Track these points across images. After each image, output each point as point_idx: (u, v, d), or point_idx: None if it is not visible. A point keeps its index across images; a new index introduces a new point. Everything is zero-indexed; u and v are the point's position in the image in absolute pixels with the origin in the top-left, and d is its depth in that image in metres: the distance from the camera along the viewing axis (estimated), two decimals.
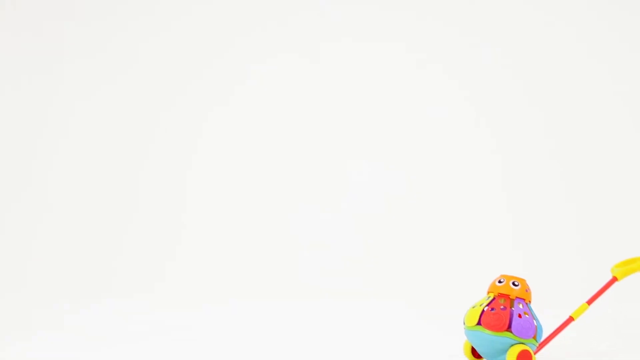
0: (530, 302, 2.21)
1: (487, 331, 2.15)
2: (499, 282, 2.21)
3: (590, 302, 2.26)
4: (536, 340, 2.18)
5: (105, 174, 3.64)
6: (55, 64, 3.72)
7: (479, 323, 2.17)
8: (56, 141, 3.69)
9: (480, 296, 2.28)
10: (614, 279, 2.28)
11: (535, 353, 2.19)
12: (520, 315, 2.15)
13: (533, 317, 2.18)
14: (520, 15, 3.67)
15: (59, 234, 3.55)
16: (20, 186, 3.65)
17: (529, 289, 2.21)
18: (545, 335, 2.25)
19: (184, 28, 3.73)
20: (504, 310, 2.15)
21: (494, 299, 2.18)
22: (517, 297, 2.18)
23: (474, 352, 2.26)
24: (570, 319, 2.24)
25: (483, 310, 2.17)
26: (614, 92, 3.62)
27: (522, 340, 2.15)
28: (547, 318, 2.30)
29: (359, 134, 3.69)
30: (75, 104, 3.70)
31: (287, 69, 3.70)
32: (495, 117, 3.67)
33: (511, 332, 2.14)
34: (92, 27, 3.72)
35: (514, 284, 2.19)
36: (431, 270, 3.40)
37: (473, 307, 2.21)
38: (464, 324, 2.21)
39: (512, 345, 2.14)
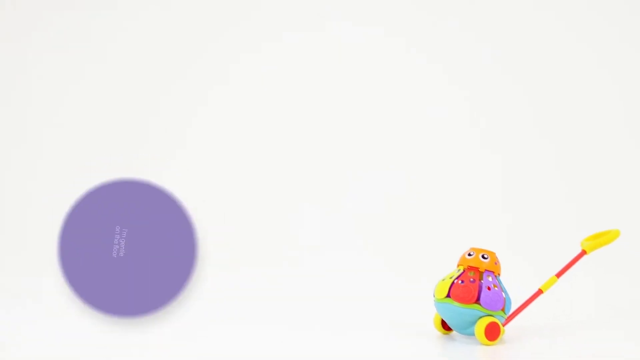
0: (499, 274, 2.23)
1: (456, 303, 2.17)
2: (469, 255, 2.23)
3: (559, 275, 2.27)
4: (505, 313, 2.19)
5: (99, 175, 3.67)
6: (43, 49, 3.78)
7: (448, 295, 2.19)
8: (42, 140, 3.75)
9: (450, 269, 2.30)
10: (583, 252, 2.29)
11: (504, 325, 2.20)
12: (489, 288, 2.17)
13: (502, 289, 2.20)
14: (521, 15, 3.68)
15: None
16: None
17: (498, 261, 2.23)
18: (514, 307, 2.27)
19: (173, 23, 3.78)
20: (473, 283, 2.17)
21: (463, 271, 2.21)
22: (486, 270, 2.20)
23: (444, 324, 2.28)
24: (539, 292, 2.26)
25: (452, 283, 2.19)
26: (613, 93, 3.63)
27: (490, 313, 2.16)
28: (516, 290, 2.31)
29: (359, 134, 3.71)
30: (65, 99, 3.76)
31: (286, 68, 3.74)
32: (496, 117, 3.69)
33: (480, 304, 2.16)
34: (87, 17, 3.78)
35: (483, 256, 2.21)
36: (432, 271, 3.40)
37: (443, 280, 2.23)
38: (434, 296, 2.24)
39: (481, 317, 2.16)
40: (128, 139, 3.72)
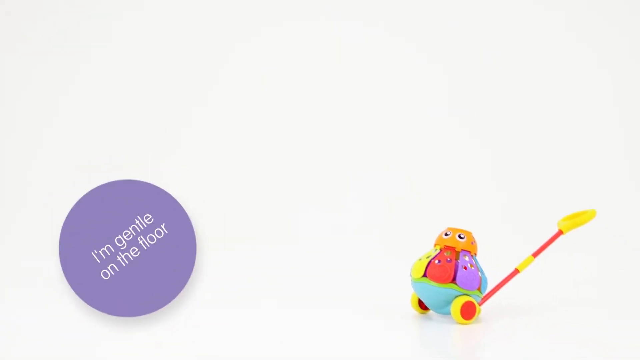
0: (476, 254, 2.22)
1: (433, 283, 2.17)
2: (446, 234, 2.23)
3: (535, 254, 2.27)
4: (481, 292, 2.19)
5: (96, 174, 3.69)
6: (43, 50, 3.82)
7: (424, 275, 2.19)
8: (41, 140, 3.78)
9: (428, 248, 2.30)
10: (560, 232, 2.29)
11: (479, 304, 2.20)
12: (465, 267, 2.17)
13: (478, 269, 2.20)
14: (520, 15, 3.69)
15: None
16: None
17: (474, 241, 2.23)
18: (490, 287, 2.27)
19: (173, 23, 3.81)
20: (449, 263, 2.17)
21: (440, 251, 2.21)
22: (462, 250, 2.20)
23: (420, 304, 2.28)
24: (516, 271, 2.25)
25: (429, 262, 2.19)
26: (613, 94, 3.63)
27: (466, 292, 2.16)
28: (492, 270, 2.30)
29: (359, 134, 3.72)
30: (64, 99, 3.80)
31: (286, 68, 3.77)
32: (495, 117, 3.69)
33: (456, 283, 2.16)
34: (85, 17, 3.82)
35: (459, 236, 2.21)
36: None
37: (419, 260, 2.23)
38: (411, 276, 2.23)
39: (457, 296, 2.16)
40: (127, 139, 3.75)
